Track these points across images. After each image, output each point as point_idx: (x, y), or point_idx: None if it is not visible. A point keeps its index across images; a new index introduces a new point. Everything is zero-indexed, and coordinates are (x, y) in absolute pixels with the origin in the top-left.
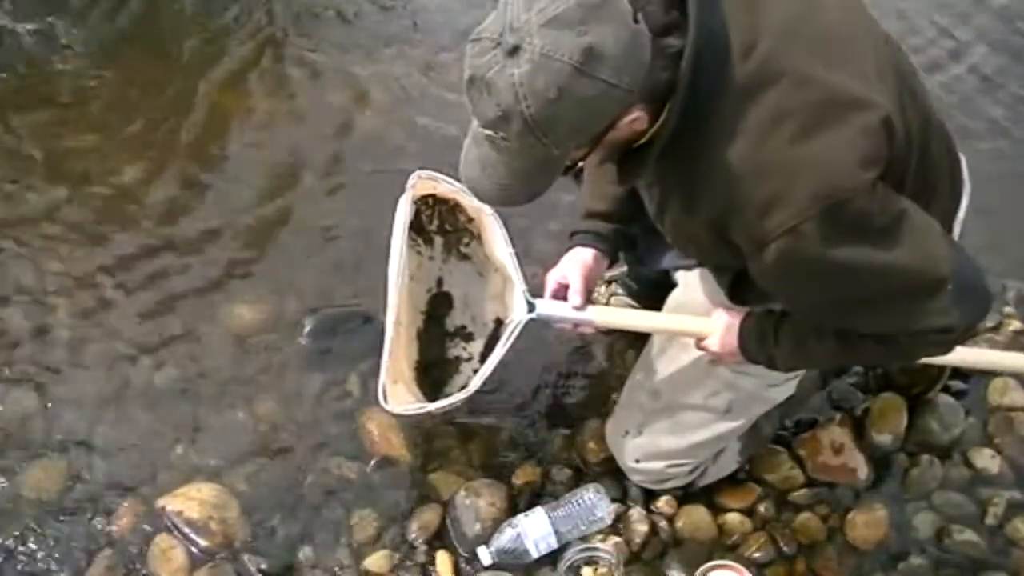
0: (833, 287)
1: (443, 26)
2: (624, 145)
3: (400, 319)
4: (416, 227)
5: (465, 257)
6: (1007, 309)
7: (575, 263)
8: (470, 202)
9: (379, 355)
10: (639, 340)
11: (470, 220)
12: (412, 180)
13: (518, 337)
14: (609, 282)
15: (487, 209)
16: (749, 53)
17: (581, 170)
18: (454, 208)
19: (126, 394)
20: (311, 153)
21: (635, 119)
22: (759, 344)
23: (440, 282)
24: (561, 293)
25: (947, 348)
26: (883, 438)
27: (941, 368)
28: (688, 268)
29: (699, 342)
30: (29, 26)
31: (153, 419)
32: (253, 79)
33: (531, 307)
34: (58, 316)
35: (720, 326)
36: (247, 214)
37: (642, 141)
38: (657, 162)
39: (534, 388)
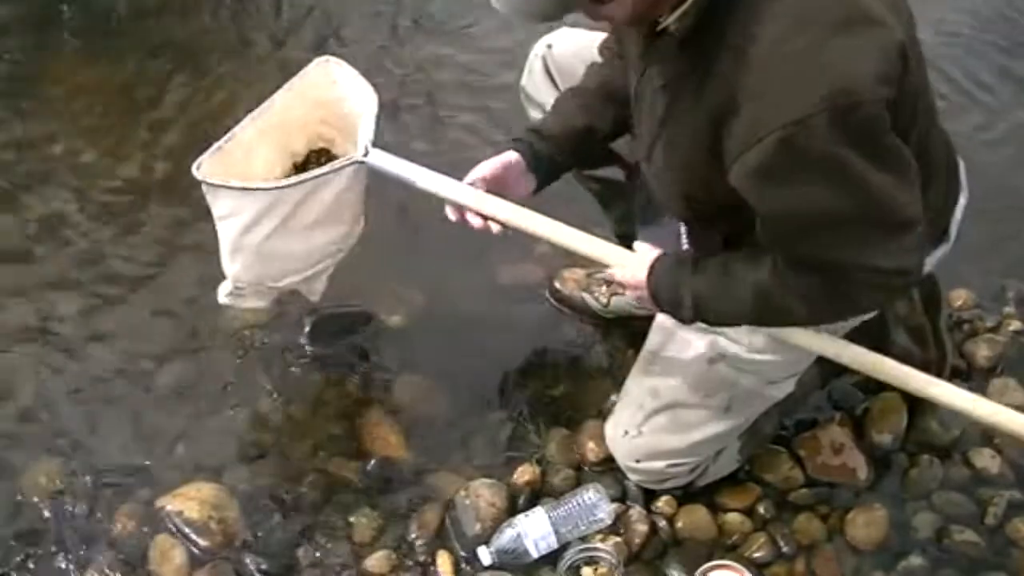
0: (817, 191)
1: (447, 24)
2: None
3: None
4: (300, 165)
5: None
6: (1007, 309)
7: (493, 159)
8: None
9: (379, 355)
10: (639, 340)
11: None
12: (317, 61)
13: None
14: (609, 282)
15: (371, 92)
16: None
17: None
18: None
19: (126, 394)
20: None
21: None
22: (672, 274)
23: None
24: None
25: (894, 294)
26: (883, 438)
27: (940, 367)
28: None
29: (608, 273)
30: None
31: (153, 419)
32: (251, 78)
33: (366, 152)
34: (57, 315)
35: (636, 257)
36: None
37: (666, 24)
38: (678, 50)
39: (534, 388)
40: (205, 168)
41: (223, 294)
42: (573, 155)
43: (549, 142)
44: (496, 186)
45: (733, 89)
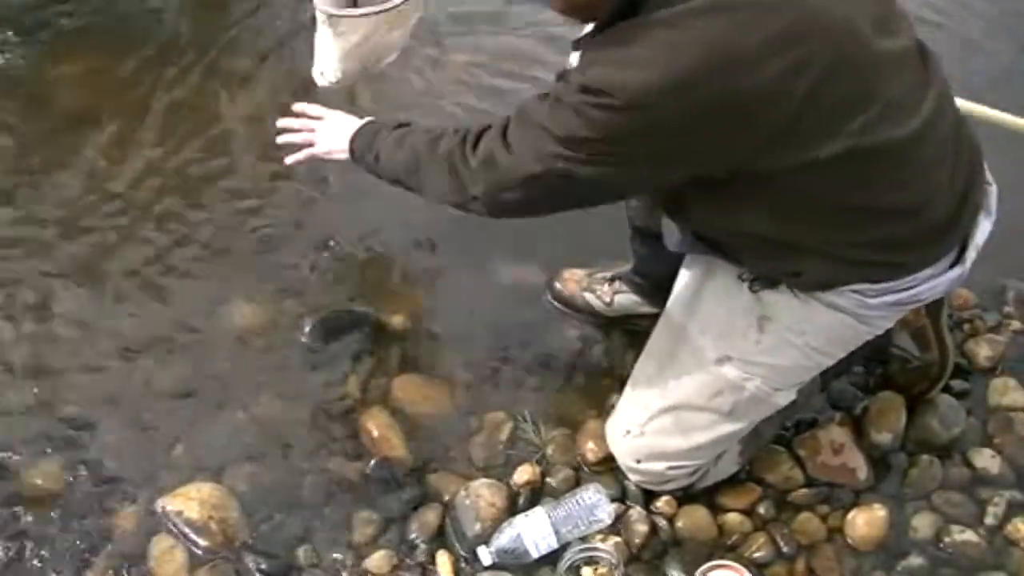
0: None
1: (444, 21)
2: None
3: None
4: None
5: None
6: (1007, 309)
7: None
8: None
9: (379, 355)
10: (640, 339)
11: None
12: None
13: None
14: (613, 279)
15: None
16: None
17: None
18: None
19: (126, 394)
20: None
21: None
22: (370, 144)
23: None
24: None
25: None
26: (882, 437)
27: (942, 368)
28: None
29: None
30: None
31: (153, 419)
32: (250, 76)
33: None
34: (57, 316)
35: (342, 125)
36: (247, 214)
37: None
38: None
39: (534, 388)
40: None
41: (322, 80)
42: None
43: None
44: None
45: None
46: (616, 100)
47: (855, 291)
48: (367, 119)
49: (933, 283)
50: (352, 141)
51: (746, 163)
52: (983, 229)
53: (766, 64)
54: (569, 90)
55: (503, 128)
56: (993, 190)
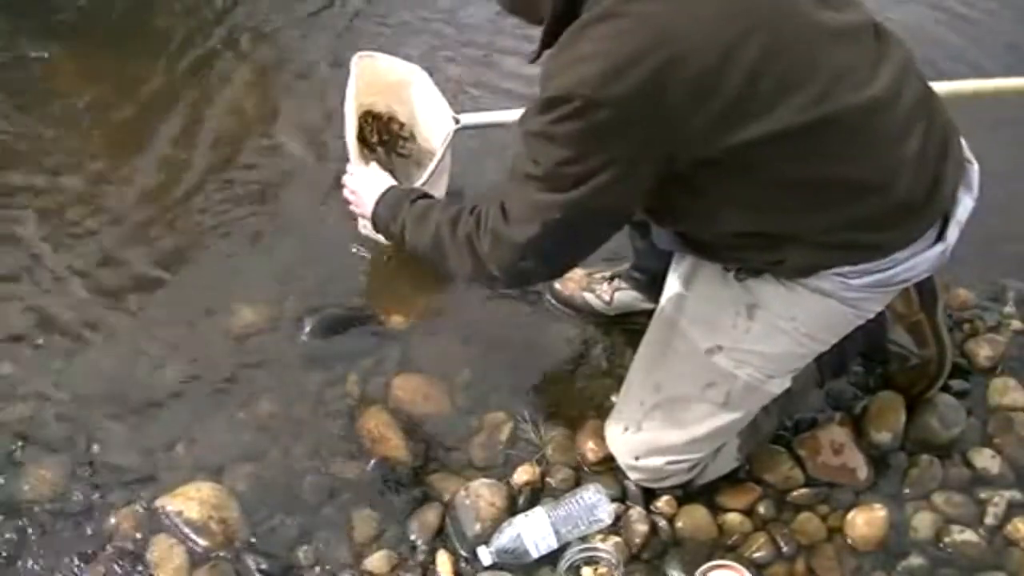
0: None
1: (444, 24)
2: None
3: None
4: (361, 139)
5: (402, 155)
6: (1007, 309)
7: None
8: (402, 110)
9: (378, 355)
10: (639, 338)
11: (402, 126)
12: (354, 59)
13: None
14: (612, 277)
15: (416, 70)
16: None
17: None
18: (388, 121)
19: (126, 394)
20: (311, 153)
21: None
22: (393, 208)
23: None
24: None
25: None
26: (882, 436)
27: (940, 365)
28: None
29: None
30: None
31: (153, 419)
32: (251, 76)
33: (457, 120)
34: (57, 316)
35: (372, 181)
36: (247, 214)
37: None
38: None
39: (534, 388)
40: None
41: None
42: None
43: None
44: None
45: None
46: (577, 102)
47: (837, 274)
48: (387, 185)
49: (914, 261)
50: (374, 211)
51: (707, 144)
52: (964, 206)
53: (708, 39)
54: (534, 115)
55: (500, 199)
56: (975, 168)
